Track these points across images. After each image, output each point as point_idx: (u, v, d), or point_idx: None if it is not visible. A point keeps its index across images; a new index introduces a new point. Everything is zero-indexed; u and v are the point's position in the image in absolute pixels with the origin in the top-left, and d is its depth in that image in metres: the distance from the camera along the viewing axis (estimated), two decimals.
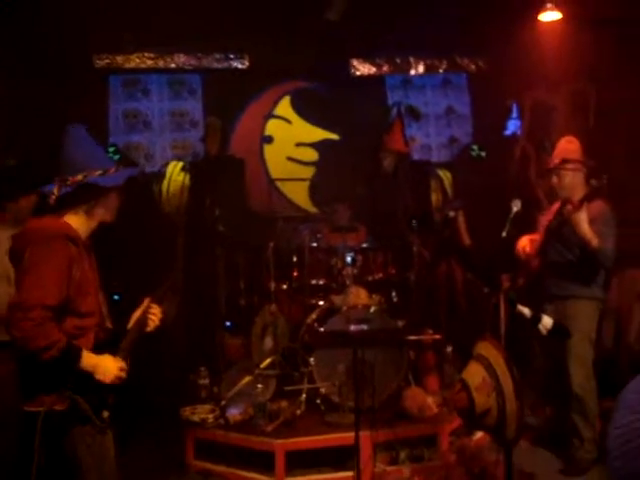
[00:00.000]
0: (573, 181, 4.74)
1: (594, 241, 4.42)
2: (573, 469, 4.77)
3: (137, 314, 3.14)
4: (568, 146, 4.83)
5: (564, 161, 4.75)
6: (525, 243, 4.95)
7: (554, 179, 4.82)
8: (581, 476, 4.71)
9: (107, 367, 2.84)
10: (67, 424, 2.77)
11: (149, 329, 3.15)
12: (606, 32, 6.00)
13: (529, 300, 4.81)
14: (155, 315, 3.14)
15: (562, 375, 4.81)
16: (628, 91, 6.23)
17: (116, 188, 3.00)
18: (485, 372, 2.62)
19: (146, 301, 3.16)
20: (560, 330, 2.87)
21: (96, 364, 2.82)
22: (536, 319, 2.84)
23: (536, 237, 4.97)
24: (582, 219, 4.40)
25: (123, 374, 2.89)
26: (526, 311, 2.85)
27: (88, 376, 2.79)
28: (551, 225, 4.78)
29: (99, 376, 2.81)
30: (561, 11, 6.10)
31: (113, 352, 2.92)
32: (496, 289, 2.87)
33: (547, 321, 2.85)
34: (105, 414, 2.85)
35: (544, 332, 2.86)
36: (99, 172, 2.90)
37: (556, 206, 4.91)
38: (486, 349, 2.73)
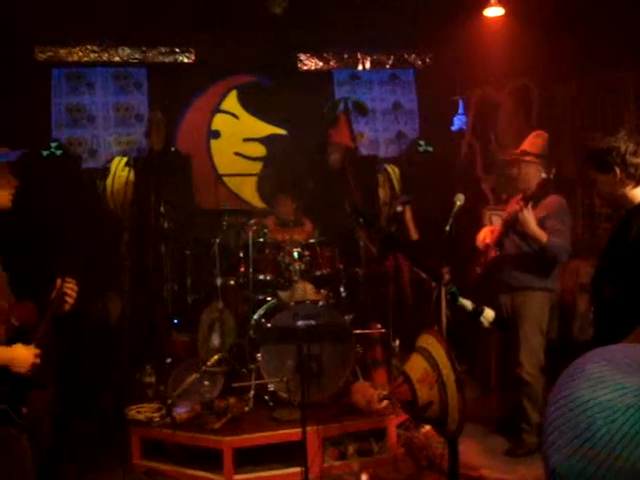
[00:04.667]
0: (530, 173, 4.86)
1: (543, 238, 4.58)
2: (519, 450, 4.90)
3: (52, 295, 3.07)
4: (534, 140, 4.96)
5: (523, 152, 4.90)
6: (485, 234, 5.11)
7: (513, 170, 4.99)
8: (526, 457, 4.82)
9: (22, 357, 2.78)
10: None
11: (67, 307, 3.08)
12: (549, 28, 6.09)
13: (485, 289, 4.96)
14: (71, 290, 3.07)
15: (514, 362, 4.96)
16: (571, 87, 6.34)
17: None
18: (427, 364, 2.63)
19: (59, 281, 3.09)
20: (502, 322, 2.90)
21: (11, 357, 2.76)
22: (478, 312, 2.86)
23: (494, 229, 5.14)
24: (529, 218, 4.54)
25: (38, 360, 2.83)
26: (468, 304, 2.87)
27: (3, 370, 2.73)
28: (507, 219, 4.92)
29: (16, 369, 2.75)
30: (504, 7, 6.17)
31: (25, 341, 2.86)
32: (438, 282, 2.88)
33: (489, 313, 2.87)
34: (24, 410, 2.79)
35: (486, 324, 2.89)
36: None
37: (517, 198, 5.01)
38: (428, 341, 2.74)
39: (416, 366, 2.70)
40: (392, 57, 8.25)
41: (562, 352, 5.71)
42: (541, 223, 4.66)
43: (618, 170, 3.18)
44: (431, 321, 2.93)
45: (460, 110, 7.95)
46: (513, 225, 4.82)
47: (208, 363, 5.33)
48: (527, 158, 4.88)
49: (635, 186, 3.21)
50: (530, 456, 4.79)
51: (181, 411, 5.00)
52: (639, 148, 3.20)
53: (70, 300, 3.07)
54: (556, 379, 0.97)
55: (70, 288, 3.07)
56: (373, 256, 5.94)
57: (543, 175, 4.74)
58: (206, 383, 5.22)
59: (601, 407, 0.85)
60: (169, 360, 5.53)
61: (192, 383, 5.16)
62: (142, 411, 5.05)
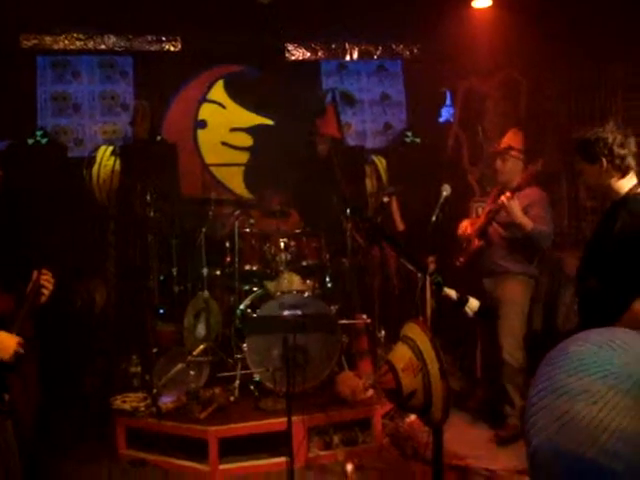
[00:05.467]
0: (513, 168, 5.10)
1: (529, 225, 4.79)
2: (505, 435, 4.95)
3: (28, 288, 3.08)
4: (514, 136, 5.25)
5: (509, 147, 5.13)
6: (466, 225, 5.31)
7: (498, 162, 5.16)
8: (512, 442, 4.86)
9: (4, 344, 2.78)
10: None
11: (44, 299, 3.09)
12: (537, 19, 6.09)
13: (469, 277, 5.06)
14: (47, 282, 3.09)
15: (495, 346, 5.08)
16: (558, 80, 6.36)
17: None
18: (411, 353, 2.64)
19: (35, 273, 3.10)
20: (486, 312, 2.91)
21: None
22: (462, 301, 2.87)
23: (475, 220, 5.35)
24: (515, 207, 4.75)
25: (21, 349, 2.83)
26: (453, 293, 2.88)
27: None
28: (490, 210, 5.09)
29: None
30: None
31: (7, 329, 2.86)
32: (423, 271, 2.89)
33: (473, 303, 2.88)
34: (6, 397, 2.79)
35: (470, 314, 2.90)
36: None
37: (495, 191, 5.19)
38: (412, 330, 2.74)
39: (401, 355, 2.70)
40: (380, 48, 8.23)
41: (546, 342, 5.75)
42: (524, 212, 4.86)
43: (605, 161, 3.21)
44: (416, 311, 2.93)
45: (447, 102, 7.96)
46: (494, 216, 4.99)
47: (194, 353, 5.33)
48: (513, 153, 5.10)
49: (621, 177, 3.23)
50: (516, 443, 4.83)
51: (166, 401, 4.99)
52: (626, 140, 3.22)
53: (46, 292, 3.09)
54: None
55: (46, 280, 3.09)
56: (359, 246, 5.95)
57: (530, 167, 4.84)
58: (192, 373, 5.21)
59: (582, 389, 0.86)
60: (155, 350, 5.51)
61: (178, 373, 5.15)
62: (127, 401, 5.04)
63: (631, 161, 3.23)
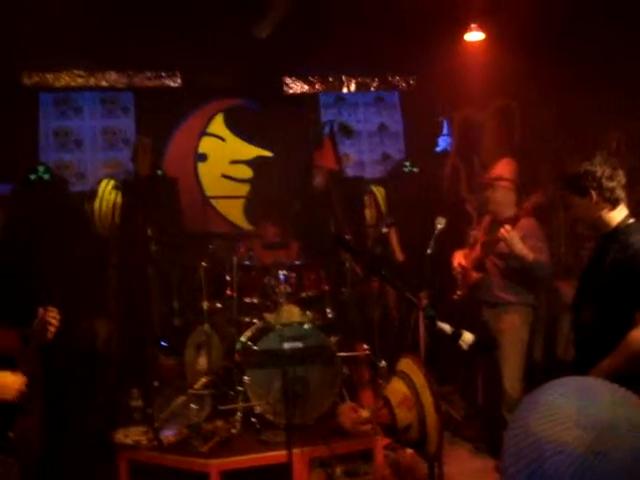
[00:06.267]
0: (504, 198, 5.11)
1: (530, 256, 4.76)
2: None
3: (34, 324, 3.13)
4: (506, 166, 5.23)
5: (499, 177, 5.12)
6: (460, 259, 5.29)
7: (488, 192, 5.17)
8: None
9: (9, 385, 2.82)
10: None
11: (50, 335, 3.13)
12: (529, 51, 6.19)
13: (467, 309, 5.07)
14: (53, 319, 3.13)
15: (496, 375, 5.09)
16: (552, 108, 6.43)
17: None
18: (406, 388, 2.67)
19: (41, 310, 3.15)
20: (481, 344, 2.95)
21: None
22: (456, 335, 2.91)
23: (468, 251, 5.30)
24: (516, 239, 4.71)
25: (25, 388, 2.87)
26: (447, 327, 2.92)
27: None
28: (487, 242, 5.07)
29: (3, 396, 2.79)
30: (485, 32, 6.28)
31: (10, 369, 2.90)
32: (415, 306, 2.93)
33: (467, 337, 2.92)
34: (11, 434, 2.82)
35: (465, 347, 2.93)
36: None
37: (486, 221, 5.19)
38: (407, 365, 2.78)
39: (396, 390, 2.74)
40: (376, 79, 8.35)
41: (547, 371, 5.77)
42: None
43: (594, 194, 3.24)
44: (411, 345, 2.97)
45: (444, 131, 8.05)
46: (492, 248, 4.97)
47: (195, 386, 5.35)
48: (503, 183, 5.11)
49: (611, 209, 3.27)
50: None
51: (168, 434, 5.00)
52: (615, 172, 3.26)
53: (52, 329, 3.13)
54: None
55: (52, 317, 3.13)
56: (359, 277, 5.99)
57: (532, 199, 4.79)
58: (193, 406, 5.23)
59: (550, 439, 0.90)
60: (156, 383, 5.53)
61: (179, 406, 5.18)
62: (129, 435, 5.05)
63: (620, 193, 3.27)
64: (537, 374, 5.41)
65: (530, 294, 5.14)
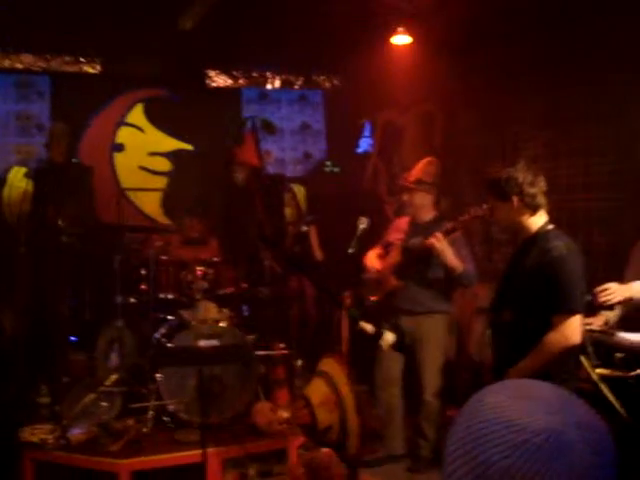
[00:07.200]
0: (423, 201, 5.01)
1: (460, 268, 4.71)
2: (417, 465, 5.03)
3: None
4: (426, 167, 5.10)
5: (418, 181, 4.99)
6: (373, 262, 5.11)
7: (405, 196, 5.09)
8: (425, 473, 4.94)
9: None
10: None
11: None
12: (454, 57, 6.29)
13: (384, 314, 4.99)
14: None
15: (415, 386, 5.04)
16: (473, 115, 6.55)
17: None
18: (327, 388, 2.64)
19: None
20: (400, 346, 2.95)
21: None
22: (378, 335, 2.90)
23: (383, 254, 5.16)
24: (447, 250, 4.64)
25: None
26: (369, 327, 2.90)
27: None
28: (409, 249, 4.96)
29: None
30: (412, 35, 6.34)
31: None
32: (339, 305, 2.91)
33: (389, 337, 2.91)
34: None
35: (385, 347, 2.93)
36: None
37: (403, 224, 5.14)
38: (329, 365, 2.75)
39: (317, 390, 2.70)
40: (301, 78, 8.33)
41: (459, 372, 5.87)
42: None
43: (516, 199, 3.32)
44: (333, 344, 2.95)
45: (366, 132, 8.10)
46: (416, 255, 4.86)
47: (106, 383, 5.18)
48: (423, 187, 4.99)
49: (532, 215, 3.35)
50: (429, 472, 4.89)
51: (77, 432, 4.82)
52: (536, 179, 3.35)
53: None
54: (453, 398, 0.99)
55: None
56: (277, 276, 5.94)
57: (485, 207, 4.53)
58: (103, 404, 5.06)
59: (496, 442, 0.88)
60: (65, 379, 5.33)
61: (89, 404, 5.00)
62: (36, 432, 4.84)
63: (541, 199, 3.35)
64: (450, 374, 5.48)
65: (449, 302, 5.10)
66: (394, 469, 5.16)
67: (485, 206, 4.26)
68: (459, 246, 4.81)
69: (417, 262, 4.91)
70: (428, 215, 5.02)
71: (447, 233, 4.62)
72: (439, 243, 4.58)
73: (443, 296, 5.02)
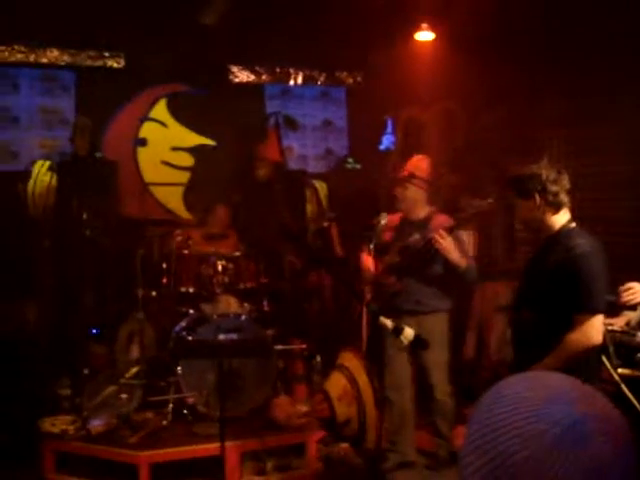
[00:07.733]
0: (415, 197, 4.87)
1: (463, 264, 4.59)
2: (435, 464, 4.95)
3: None
4: (418, 163, 4.96)
5: (411, 175, 4.86)
6: (369, 264, 4.82)
7: (398, 190, 4.91)
8: (441, 471, 4.87)
9: None
10: None
11: None
12: (477, 54, 6.26)
13: (386, 314, 4.93)
14: None
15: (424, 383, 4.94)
16: (496, 113, 6.52)
17: None
18: (346, 382, 2.65)
19: None
20: (419, 342, 2.93)
21: None
22: (398, 330, 2.90)
23: (376, 254, 4.84)
24: (451, 247, 4.51)
25: None
26: (388, 323, 2.90)
27: None
28: (410, 247, 4.79)
29: None
30: (435, 32, 6.32)
31: None
32: (360, 301, 2.91)
33: (409, 332, 2.91)
34: None
35: (405, 343, 2.92)
36: None
37: (395, 221, 4.97)
38: (348, 359, 2.76)
39: (336, 384, 2.71)
40: (324, 74, 8.31)
41: (479, 371, 5.86)
42: None
43: (538, 197, 3.29)
44: (352, 339, 2.95)
45: (388, 129, 8.07)
46: (417, 254, 4.70)
47: (126, 375, 5.22)
48: (416, 182, 4.85)
49: (554, 213, 3.32)
50: (448, 469, 4.86)
51: (96, 424, 4.87)
52: (560, 177, 3.32)
53: None
54: (473, 397, 0.99)
55: None
56: (297, 271, 5.95)
57: (489, 201, 4.63)
58: (123, 396, 5.10)
59: (515, 432, 0.88)
60: (86, 371, 5.38)
61: (109, 395, 5.05)
62: (56, 424, 4.90)
63: (564, 197, 3.32)
64: (470, 373, 5.47)
65: (450, 299, 4.93)
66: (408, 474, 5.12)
67: (490, 200, 4.20)
68: (460, 242, 4.72)
69: (417, 260, 4.73)
70: (422, 212, 4.87)
71: (450, 229, 4.51)
72: (443, 240, 4.46)
73: (444, 294, 4.88)
